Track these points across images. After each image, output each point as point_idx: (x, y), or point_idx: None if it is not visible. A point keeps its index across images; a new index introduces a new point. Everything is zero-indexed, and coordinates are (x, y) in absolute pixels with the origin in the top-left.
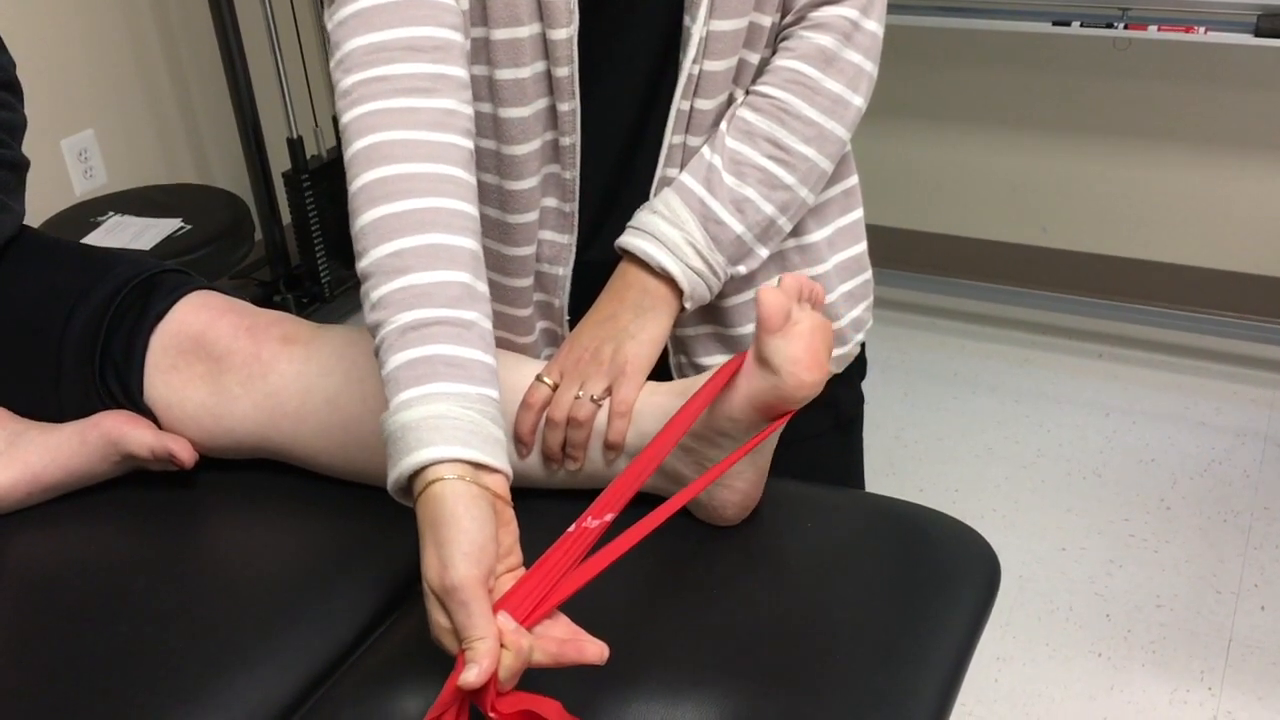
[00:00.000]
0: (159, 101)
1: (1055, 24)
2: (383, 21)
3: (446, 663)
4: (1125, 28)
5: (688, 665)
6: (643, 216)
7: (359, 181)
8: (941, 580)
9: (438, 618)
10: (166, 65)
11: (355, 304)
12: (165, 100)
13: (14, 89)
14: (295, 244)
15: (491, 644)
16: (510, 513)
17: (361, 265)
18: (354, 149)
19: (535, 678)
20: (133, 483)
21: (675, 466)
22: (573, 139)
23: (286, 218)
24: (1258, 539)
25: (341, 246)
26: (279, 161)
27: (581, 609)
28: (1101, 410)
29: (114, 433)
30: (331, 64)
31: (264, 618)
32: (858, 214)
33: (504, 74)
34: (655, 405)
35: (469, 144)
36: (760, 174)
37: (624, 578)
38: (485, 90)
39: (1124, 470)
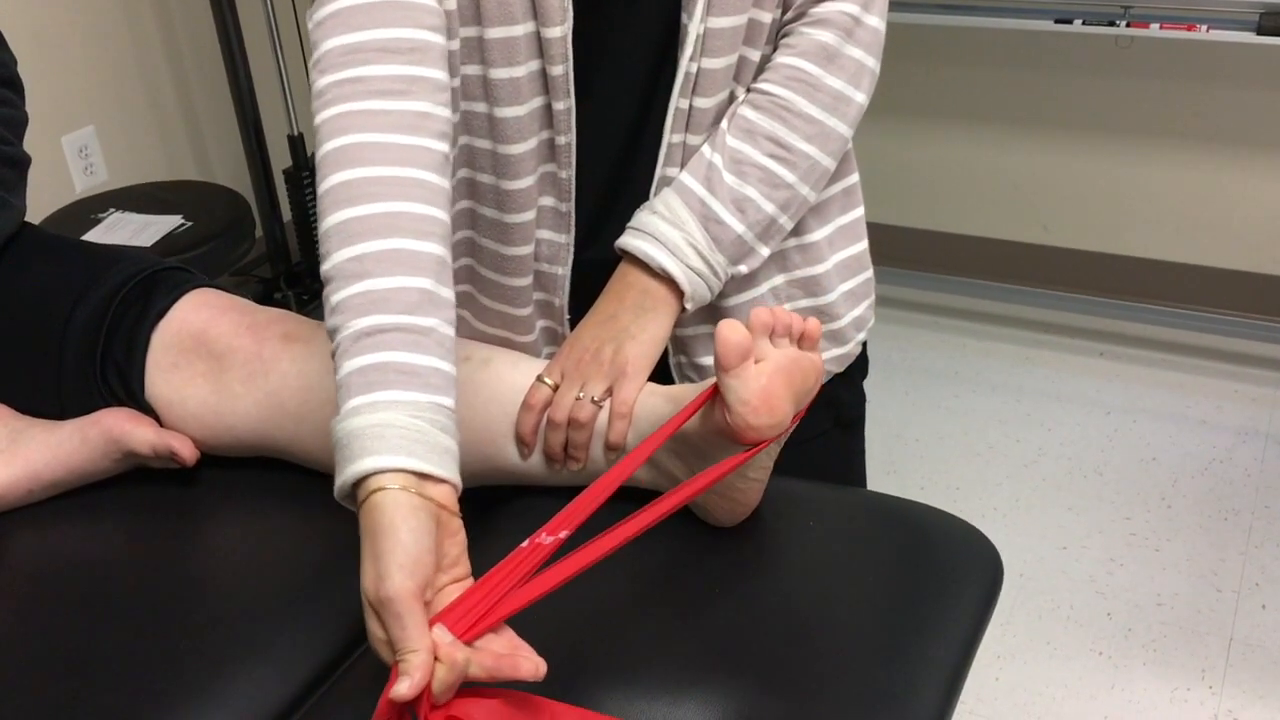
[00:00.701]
0: (160, 98)
1: (1057, 22)
2: (359, 23)
3: None
4: (1127, 26)
5: (690, 664)
6: (642, 217)
7: (326, 184)
8: (944, 579)
9: (374, 628)
10: (167, 62)
11: None
12: (166, 97)
13: (15, 86)
14: (296, 241)
15: (424, 657)
16: (457, 523)
17: (324, 268)
18: (324, 150)
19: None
20: (134, 480)
21: (669, 467)
22: (568, 138)
23: (287, 214)
24: (1259, 537)
25: None
26: (280, 158)
27: (582, 608)
28: (1103, 409)
29: (115, 430)
30: (309, 64)
31: (264, 616)
32: (858, 212)
33: (498, 73)
34: (650, 408)
35: (443, 147)
36: (761, 173)
37: (626, 576)
38: (480, 89)
39: (1125, 469)
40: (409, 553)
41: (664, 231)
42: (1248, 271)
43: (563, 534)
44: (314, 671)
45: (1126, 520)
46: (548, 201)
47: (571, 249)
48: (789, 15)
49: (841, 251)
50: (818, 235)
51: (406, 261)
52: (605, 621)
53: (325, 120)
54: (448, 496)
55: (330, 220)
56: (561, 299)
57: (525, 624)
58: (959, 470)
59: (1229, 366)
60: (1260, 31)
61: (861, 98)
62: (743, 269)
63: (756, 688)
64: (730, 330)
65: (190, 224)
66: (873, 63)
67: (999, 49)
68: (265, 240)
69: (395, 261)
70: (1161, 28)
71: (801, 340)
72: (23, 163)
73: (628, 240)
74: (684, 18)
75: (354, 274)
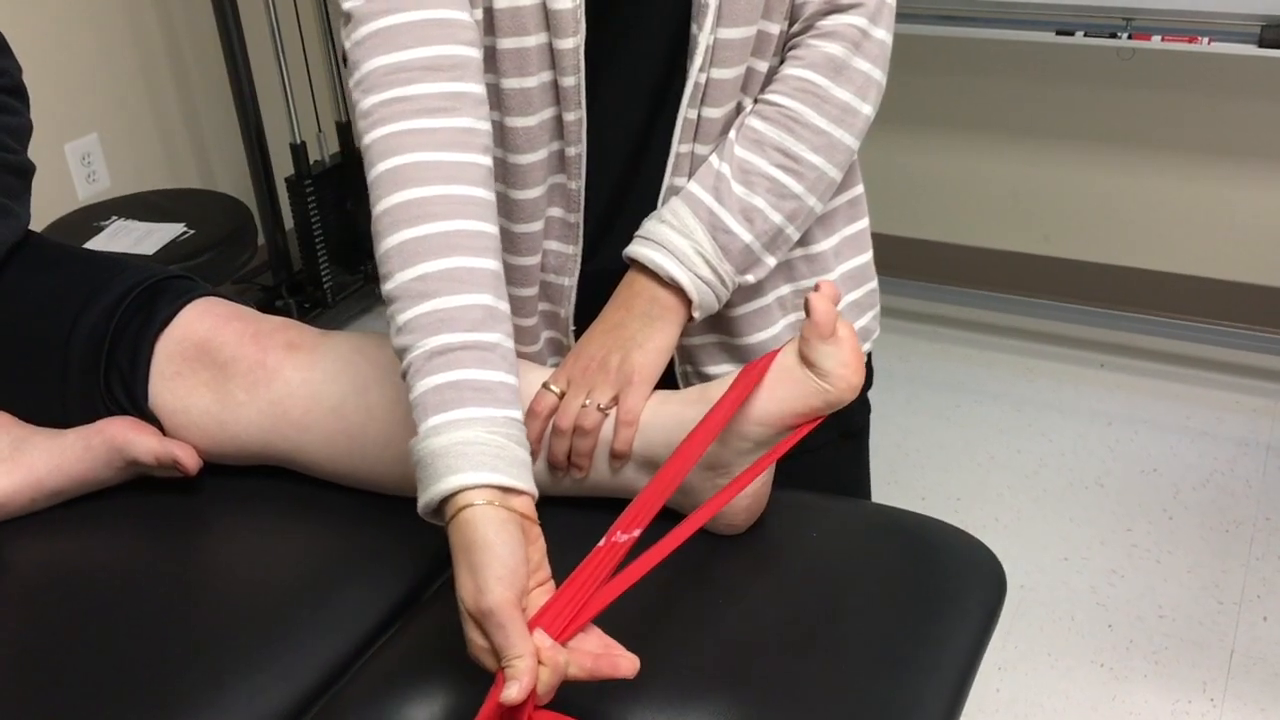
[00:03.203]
0: (162, 106)
1: (1059, 33)
2: (401, 42)
3: (450, 672)
4: (1129, 37)
5: (693, 674)
6: (650, 226)
7: (383, 205)
8: (947, 590)
9: (475, 638)
10: (170, 70)
11: (358, 309)
12: (169, 105)
13: (20, 94)
14: (298, 249)
15: (530, 662)
16: (537, 530)
17: (387, 288)
18: (377, 171)
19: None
20: (137, 489)
21: (689, 478)
22: (578, 149)
23: (289, 223)
24: (1260, 549)
25: (343, 252)
26: (282, 167)
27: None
28: (1104, 420)
29: (119, 439)
30: (350, 83)
31: (267, 625)
32: (864, 223)
33: (510, 83)
34: (667, 414)
35: (488, 160)
36: (769, 183)
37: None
38: (492, 99)
39: (1126, 480)
40: (505, 564)
41: (672, 240)
42: (1249, 283)
43: (636, 532)
44: (316, 681)
45: (1128, 531)
46: (556, 212)
47: (578, 260)
48: (797, 27)
49: (847, 262)
50: (824, 246)
51: (467, 279)
52: (609, 632)
53: (375, 140)
54: (528, 506)
55: (389, 241)
56: (567, 310)
57: None
58: (960, 481)
59: (1230, 378)
60: (1262, 44)
61: (868, 109)
62: (749, 279)
63: (759, 699)
64: (823, 301)
65: (192, 232)
66: (880, 75)
67: (1001, 60)
68: (267, 248)
69: (457, 280)
70: (1163, 39)
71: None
72: (27, 171)
73: (636, 249)
74: (694, 28)
75: (419, 294)
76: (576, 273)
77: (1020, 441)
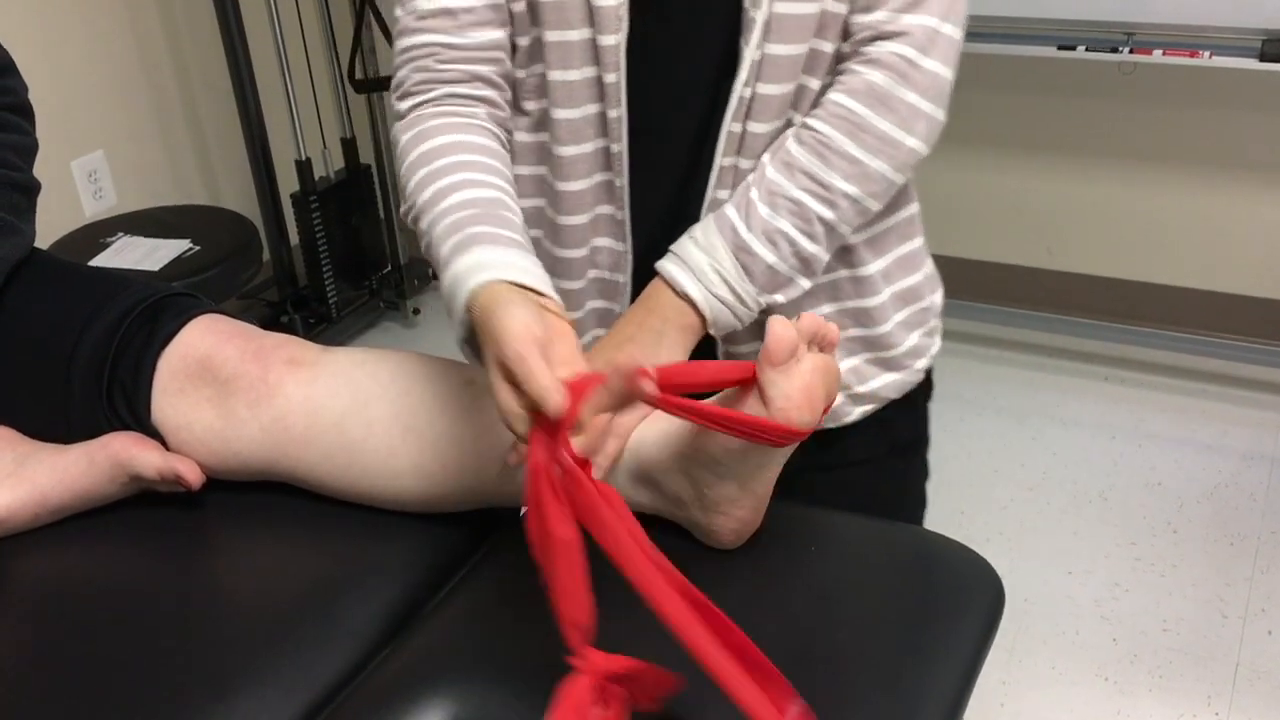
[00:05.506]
0: (168, 123)
1: (1060, 48)
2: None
3: (453, 683)
4: (1130, 52)
5: (692, 689)
6: (680, 241)
7: (411, 156)
8: (945, 605)
9: (503, 399)
10: (176, 87)
11: (362, 323)
12: (175, 122)
13: (25, 112)
14: (303, 264)
15: (555, 382)
16: (565, 325)
17: (420, 227)
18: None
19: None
20: (140, 504)
21: (675, 489)
22: (620, 146)
23: (294, 238)
24: (1265, 562)
25: (348, 267)
26: (287, 183)
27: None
28: (1107, 433)
29: (122, 454)
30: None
31: (268, 640)
32: (917, 242)
33: (555, 75)
34: (659, 432)
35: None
36: (795, 207)
37: (625, 600)
38: (540, 89)
39: (1130, 493)
40: (518, 318)
41: (695, 258)
42: (1252, 296)
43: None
44: (319, 694)
45: (1132, 545)
46: (605, 209)
47: (630, 257)
48: (846, 48)
49: (898, 283)
50: (872, 268)
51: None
52: (607, 645)
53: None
54: (548, 301)
55: (421, 198)
56: (622, 306)
57: (528, 642)
58: (963, 494)
59: (1234, 391)
60: (1263, 58)
61: (913, 142)
62: (779, 298)
63: None
64: (782, 327)
65: (198, 248)
66: (930, 108)
67: (1003, 75)
68: (272, 264)
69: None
70: (1164, 54)
71: (823, 345)
72: (33, 189)
73: (661, 262)
74: (741, 42)
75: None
76: (629, 269)
77: (1023, 455)
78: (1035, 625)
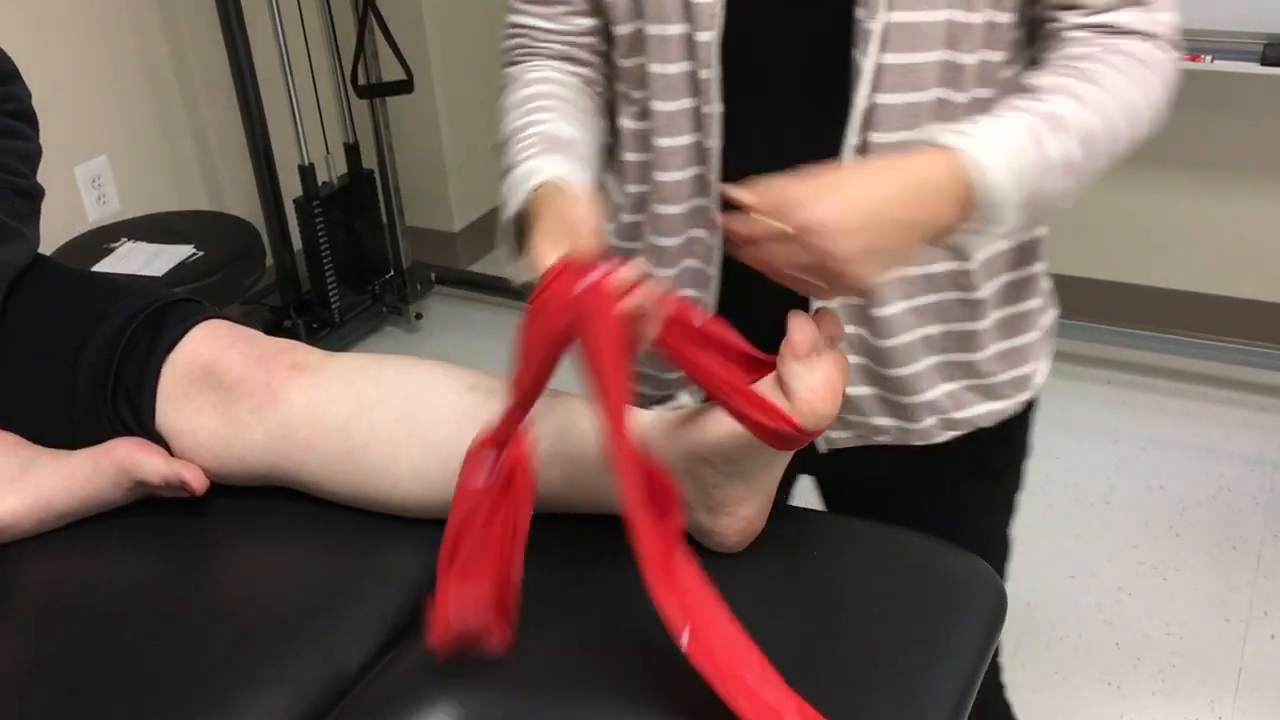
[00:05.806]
0: (172, 129)
1: None
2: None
3: (455, 689)
4: None
5: (691, 695)
6: (950, 128)
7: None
8: (947, 610)
9: (542, 249)
10: (180, 92)
11: (365, 328)
12: (178, 127)
13: (29, 119)
14: (306, 269)
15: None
16: (583, 201)
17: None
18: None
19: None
20: (144, 510)
21: (680, 492)
22: (715, 142)
23: (298, 244)
24: (1267, 566)
25: (351, 272)
26: (290, 188)
27: (583, 638)
28: (1110, 437)
29: (126, 460)
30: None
31: (272, 644)
32: (1034, 268)
33: (654, 68)
34: (664, 433)
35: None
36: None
37: (627, 605)
38: (641, 80)
39: (1132, 497)
40: (546, 229)
41: (990, 125)
42: (1255, 300)
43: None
44: (322, 699)
45: (1134, 549)
46: (699, 201)
47: (718, 251)
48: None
49: (1006, 308)
50: (983, 292)
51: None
52: (607, 652)
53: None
54: (567, 184)
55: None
56: (710, 299)
57: (527, 648)
58: None
59: (1237, 394)
60: (1264, 62)
61: (1132, 129)
62: (1034, 220)
63: None
64: (804, 322)
65: (201, 253)
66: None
67: None
68: (275, 269)
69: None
70: None
71: (830, 340)
72: (36, 195)
73: (932, 134)
74: (855, 53)
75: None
76: (716, 262)
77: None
78: (1038, 629)
